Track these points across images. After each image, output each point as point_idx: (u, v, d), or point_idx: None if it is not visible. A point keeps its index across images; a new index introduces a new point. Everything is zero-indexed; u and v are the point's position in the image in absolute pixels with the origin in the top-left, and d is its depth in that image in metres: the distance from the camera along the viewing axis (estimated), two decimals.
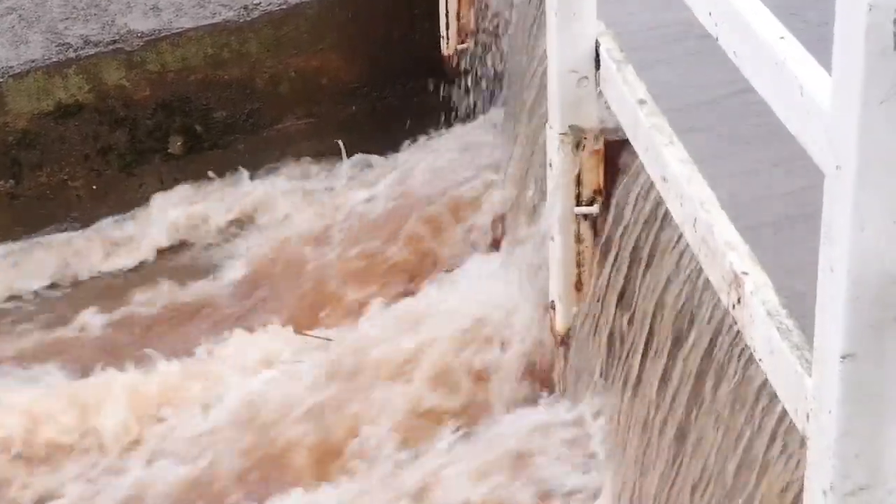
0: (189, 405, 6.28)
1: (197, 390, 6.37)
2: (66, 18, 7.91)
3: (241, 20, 7.92)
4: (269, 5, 7.97)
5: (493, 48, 7.47)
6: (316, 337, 6.57)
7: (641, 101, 4.61)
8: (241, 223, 7.87)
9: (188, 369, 6.53)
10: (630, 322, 4.80)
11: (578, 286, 5.22)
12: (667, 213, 4.43)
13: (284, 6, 7.98)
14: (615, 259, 4.94)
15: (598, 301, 5.15)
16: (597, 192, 5.10)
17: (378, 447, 5.68)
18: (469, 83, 7.90)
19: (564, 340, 5.34)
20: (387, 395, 5.87)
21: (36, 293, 7.52)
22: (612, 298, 4.99)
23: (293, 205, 7.85)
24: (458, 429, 5.66)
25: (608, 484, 4.92)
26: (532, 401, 5.61)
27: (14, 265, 7.64)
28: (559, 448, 5.19)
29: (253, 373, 6.40)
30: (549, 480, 5.13)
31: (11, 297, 7.50)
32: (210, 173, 8.01)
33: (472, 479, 5.25)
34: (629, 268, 4.81)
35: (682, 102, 4.76)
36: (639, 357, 4.66)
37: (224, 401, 6.20)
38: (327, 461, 5.74)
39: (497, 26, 7.39)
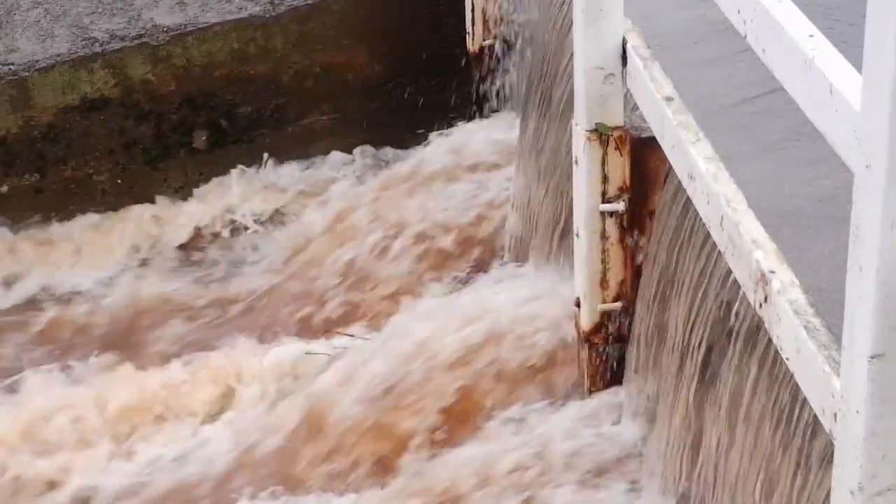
0: None
1: None
2: (93, 13, 7.93)
3: (267, 15, 7.93)
4: (294, 0, 7.98)
5: (519, 44, 7.47)
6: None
7: (668, 99, 4.60)
8: None
9: None
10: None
11: (604, 283, 5.22)
12: None
13: (310, 1, 7.99)
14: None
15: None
16: (622, 189, 5.09)
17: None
18: (494, 79, 7.90)
19: (589, 337, 5.33)
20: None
21: None
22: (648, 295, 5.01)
23: None
24: None
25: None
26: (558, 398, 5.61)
27: None
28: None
29: None
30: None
31: None
32: None
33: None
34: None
35: (711, 101, 4.74)
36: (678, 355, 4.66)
37: None
38: None
39: (523, 22, 7.39)
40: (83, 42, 7.77)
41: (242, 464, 5.99)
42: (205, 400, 6.46)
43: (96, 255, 7.73)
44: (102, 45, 7.75)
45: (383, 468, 5.66)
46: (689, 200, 4.46)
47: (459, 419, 5.69)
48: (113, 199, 7.96)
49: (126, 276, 7.60)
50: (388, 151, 8.19)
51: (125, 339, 7.06)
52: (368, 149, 8.24)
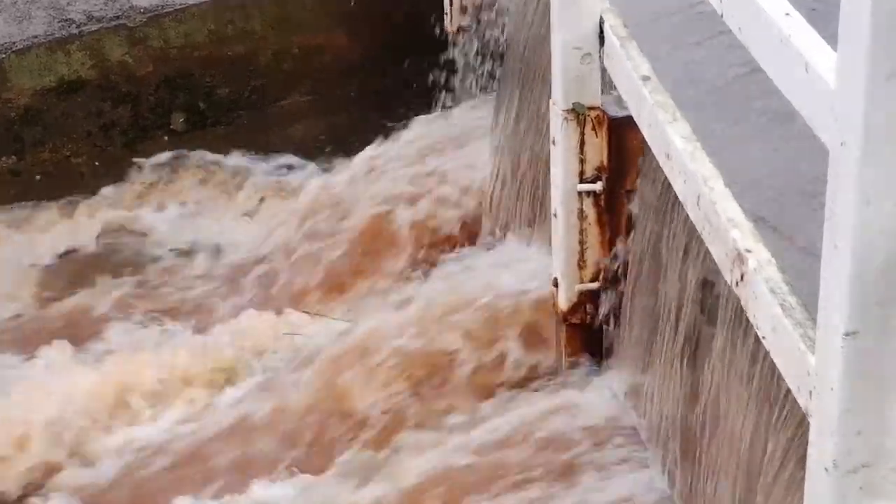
0: None
1: None
2: None
3: None
4: None
5: (497, 25, 7.45)
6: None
7: (645, 78, 4.59)
8: None
9: None
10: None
11: (581, 264, 5.22)
12: None
13: None
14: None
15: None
16: (600, 168, 5.09)
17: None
18: (472, 60, 7.88)
19: (567, 318, 5.33)
20: None
21: None
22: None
23: None
24: None
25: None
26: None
27: None
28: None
29: None
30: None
31: None
32: None
33: None
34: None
35: (690, 82, 4.74)
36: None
37: None
38: None
39: (501, 2, 7.37)
40: (60, 24, 7.74)
41: None
42: None
43: None
44: (79, 26, 7.72)
45: None
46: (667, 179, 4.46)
47: None
48: (91, 182, 7.92)
49: None
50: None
51: None
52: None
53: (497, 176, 6.55)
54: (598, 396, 5.29)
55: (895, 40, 2.47)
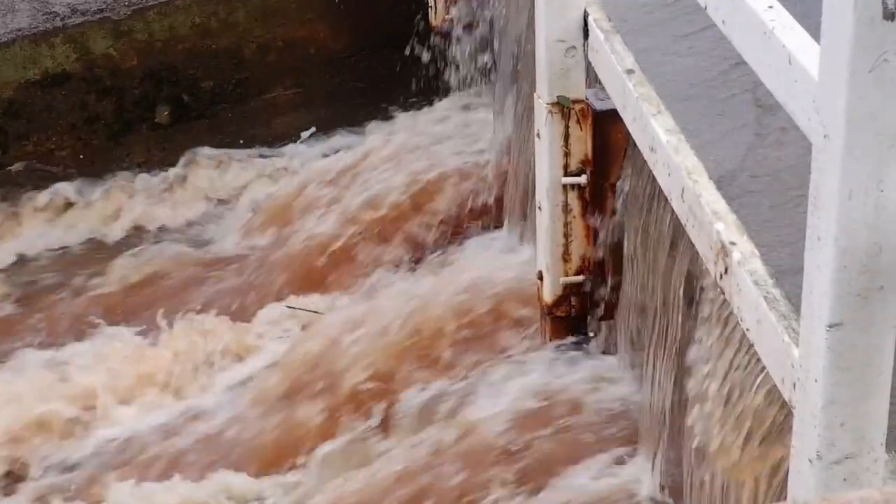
0: None
1: None
2: None
3: None
4: None
5: (481, 18, 7.45)
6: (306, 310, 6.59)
7: (629, 71, 4.60)
8: None
9: None
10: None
11: (566, 257, 5.22)
12: None
13: None
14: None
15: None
16: (585, 162, 5.09)
17: None
18: (457, 53, 7.88)
19: (551, 311, 5.34)
20: None
21: None
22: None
23: None
24: None
25: None
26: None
27: None
28: None
29: None
30: None
31: None
32: None
33: None
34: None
35: (676, 76, 4.74)
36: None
37: None
38: None
39: None
40: (44, 16, 7.72)
41: None
42: None
43: None
44: (63, 19, 7.70)
45: None
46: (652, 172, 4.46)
47: None
48: (75, 175, 7.91)
49: None
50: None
51: None
52: None
53: (498, 168, 6.57)
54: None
55: (878, 33, 2.47)
